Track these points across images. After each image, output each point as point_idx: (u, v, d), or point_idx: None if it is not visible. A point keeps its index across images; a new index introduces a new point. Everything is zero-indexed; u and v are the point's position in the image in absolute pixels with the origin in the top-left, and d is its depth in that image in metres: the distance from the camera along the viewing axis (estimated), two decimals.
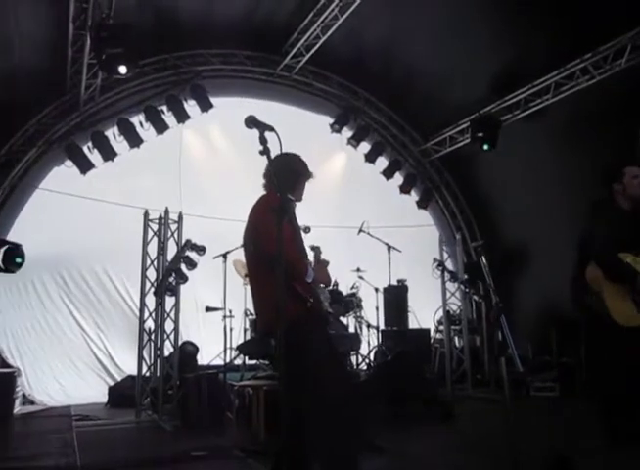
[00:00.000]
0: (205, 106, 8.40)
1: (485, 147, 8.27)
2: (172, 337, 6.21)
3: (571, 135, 7.99)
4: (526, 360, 8.40)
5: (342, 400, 2.74)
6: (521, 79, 8.10)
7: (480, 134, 8.27)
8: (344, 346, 5.51)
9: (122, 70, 6.12)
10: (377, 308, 7.35)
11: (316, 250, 3.29)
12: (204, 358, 7.62)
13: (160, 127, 8.16)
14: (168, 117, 8.27)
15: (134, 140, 8.02)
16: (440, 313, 8.44)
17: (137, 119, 8.10)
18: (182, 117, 8.29)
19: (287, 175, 2.99)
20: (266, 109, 9.25)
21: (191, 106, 8.42)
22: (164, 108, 8.26)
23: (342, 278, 6.93)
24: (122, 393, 6.94)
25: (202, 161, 8.82)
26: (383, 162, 9.88)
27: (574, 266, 3.80)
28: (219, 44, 8.70)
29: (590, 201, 3.96)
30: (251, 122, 2.15)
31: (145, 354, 6.50)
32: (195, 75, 8.53)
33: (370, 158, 9.63)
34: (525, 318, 9.63)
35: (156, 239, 6.29)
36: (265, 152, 2.05)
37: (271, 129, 2.12)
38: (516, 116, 8.33)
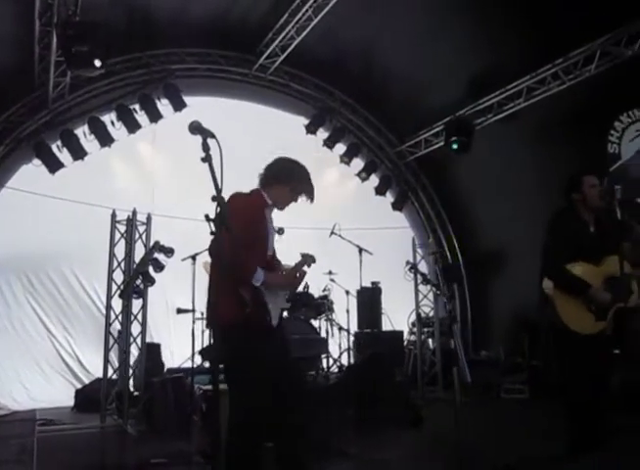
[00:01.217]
0: (179, 105, 8.29)
1: (459, 150, 8.30)
2: (139, 340, 6.12)
3: (544, 139, 8.06)
4: (498, 362, 8.46)
5: (282, 405, 2.75)
6: (494, 83, 8.15)
7: (455, 137, 8.29)
8: (311, 350, 5.48)
9: (90, 68, 6.01)
10: (347, 311, 7.32)
11: (304, 257, 3.30)
12: (175, 361, 7.54)
13: (132, 126, 8.04)
14: (141, 117, 8.17)
15: (105, 139, 7.88)
16: (415, 315, 8.46)
17: (108, 118, 7.98)
18: (155, 116, 8.17)
19: (281, 180, 3.02)
20: (243, 108, 9.28)
21: (164, 105, 8.32)
22: (137, 107, 8.16)
23: (313, 281, 6.89)
24: (89, 396, 6.82)
25: (175, 160, 8.72)
26: (358, 163, 9.89)
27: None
28: (194, 43, 8.61)
29: (551, 211, 3.99)
30: (195, 129, 2.12)
31: (114, 357, 6.41)
32: (168, 74, 8.42)
33: (346, 159, 9.61)
34: (499, 321, 9.72)
35: (123, 241, 6.20)
36: (207, 159, 2.01)
37: (213, 136, 2.08)
38: (489, 119, 8.37)
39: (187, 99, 8.38)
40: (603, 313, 3.53)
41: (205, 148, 2.02)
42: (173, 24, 8.11)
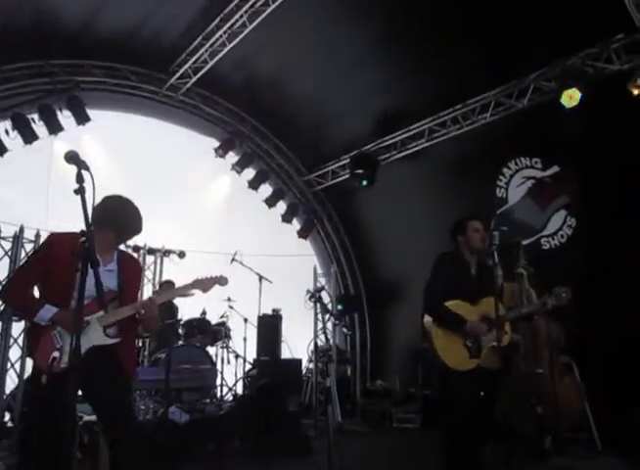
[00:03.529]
0: (82, 119, 7.97)
1: (364, 183, 8.57)
2: (18, 365, 5.72)
3: (443, 177, 8.52)
4: (392, 392, 8.68)
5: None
6: (399, 122, 8.53)
7: (359, 171, 8.56)
8: (200, 380, 5.37)
9: None
10: (245, 339, 7.26)
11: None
12: None
13: (29, 137, 7.62)
14: (39, 127, 7.77)
15: None
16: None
17: (2, 127, 7.53)
18: (54, 128, 7.79)
19: (120, 220, 2.95)
20: (155, 125, 9.10)
21: (66, 117, 7.98)
22: (35, 117, 7.76)
23: (211, 307, 6.80)
24: None
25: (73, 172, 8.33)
26: (267, 189, 9.94)
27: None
28: (102, 57, 8.35)
29: (438, 252, 4.21)
30: (71, 159, 2.06)
31: None
32: (73, 86, 8.10)
33: (253, 185, 9.63)
34: (397, 350, 9.98)
35: (7, 259, 5.82)
36: (80, 191, 1.95)
37: (87, 168, 2.02)
38: (393, 156, 8.72)
39: (92, 113, 8.11)
40: (477, 351, 3.74)
41: (79, 179, 1.96)
42: (82, 35, 7.83)
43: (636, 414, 5.38)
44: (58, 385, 2.54)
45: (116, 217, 2.98)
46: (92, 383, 2.85)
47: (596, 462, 5.01)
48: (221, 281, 3.19)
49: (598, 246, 6.41)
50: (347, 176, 9.12)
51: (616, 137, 6.08)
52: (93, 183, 1.98)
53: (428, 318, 3.84)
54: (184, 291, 3.19)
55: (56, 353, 2.79)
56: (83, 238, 1.93)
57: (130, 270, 3.11)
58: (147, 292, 8.01)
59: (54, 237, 2.97)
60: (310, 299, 7.60)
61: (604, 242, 6.31)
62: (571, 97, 6.01)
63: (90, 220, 2.85)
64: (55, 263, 2.76)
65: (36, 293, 2.95)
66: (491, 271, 3.87)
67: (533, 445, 5.08)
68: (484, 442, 3.95)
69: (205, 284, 3.15)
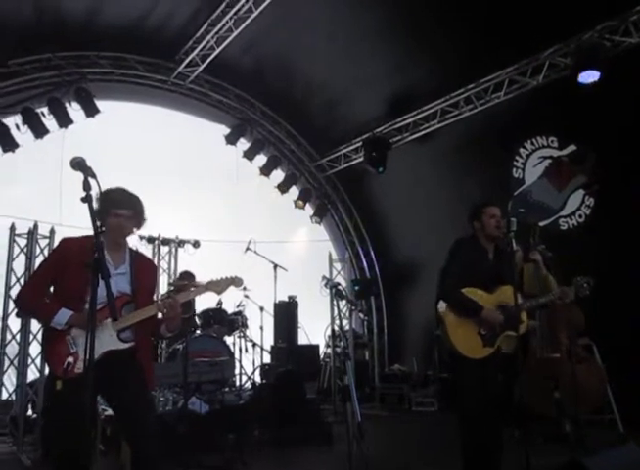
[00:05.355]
0: (91, 111, 7.93)
1: (380, 170, 8.48)
2: (38, 361, 5.78)
3: (456, 159, 8.38)
4: (410, 375, 8.68)
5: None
6: (411, 104, 8.37)
7: (373, 153, 8.45)
8: (217, 373, 5.38)
9: None
10: (261, 328, 7.27)
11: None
12: None
13: (40, 131, 7.60)
14: (49, 121, 7.75)
15: (9, 144, 7.41)
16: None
17: (12, 122, 7.52)
18: (64, 121, 7.77)
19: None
20: (165, 114, 9.05)
21: (75, 110, 7.95)
22: (45, 110, 7.74)
23: (227, 296, 6.78)
24: None
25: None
26: (279, 175, 9.88)
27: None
28: (108, 47, 8.28)
29: (453, 236, 4.14)
30: (77, 165, 2.01)
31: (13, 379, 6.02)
32: (80, 78, 8.06)
33: (265, 171, 9.57)
34: (414, 334, 9.96)
35: (23, 255, 5.84)
36: (87, 199, 1.91)
37: (93, 176, 1.98)
38: (405, 138, 8.59)
39: (100, 104, 8.06)
40: (491, 340, 3.68)
41: (86, 187, 1.92)
42: (87, 27, 7.77)
43: None
44: (74, 390, 2.53)
45: (108, 201, 2.83)
46: (110, 388, 2.85)
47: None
48: (236, 282, 3.15)
49: (617, 225, 6.27)
50: (360, 160, 9.01)
51: (634, 113, 5.90)
52: (100, 190, 1.94)
53: (442, 305, 3.77)
54: (198, 293, 3.16)
55: (70, 359, 2.78)
56: (94, 248, 1.89)
57: (144, 271, 3.06)
58: (162, 283, 8.04)
59: (65, 242, 2.95)
60: (326, 285, 7.60)
61: (623, 221, 6.17)
62: (588, 74, 5.83)
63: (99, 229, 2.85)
64: (67, 268, 2.74)
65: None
66: (510, 258, 3.79)
67: (552, 428, 5.05)
68: (503, 425, 3.90)
69: (219, 285, 3.11)
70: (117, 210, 2.86)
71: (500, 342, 3.73)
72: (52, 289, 2.87)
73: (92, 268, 1.93)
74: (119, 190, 2.93)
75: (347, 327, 8.75)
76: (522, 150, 7.45)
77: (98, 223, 1.93)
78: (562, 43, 6.54)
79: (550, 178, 7.16)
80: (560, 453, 3.68)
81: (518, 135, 7.45)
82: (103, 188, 2.05)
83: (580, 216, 6.93)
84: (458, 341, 3.67)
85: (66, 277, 2.75)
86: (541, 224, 6.03)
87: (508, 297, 3.67)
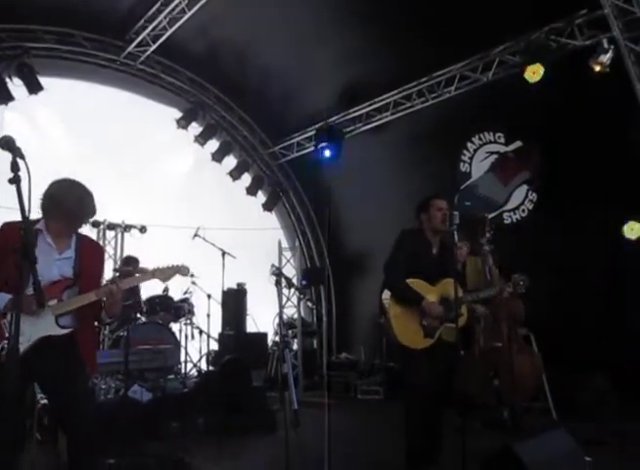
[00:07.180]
0: (34, 88, 7.61)
1: (327, 155, 8.48)
2: None
3: (407, 150, 8.49)
4: (357, 364, 8.80)
5: None
6: (365, 95, 8.41)
7: (324, 143, 8.45)
8: (160, 361, 5.31)
9: None
10: (208, 316, 7.20)
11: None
12: None
13: None
14: None
15: None
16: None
17: None
18: (4, 97, 7.43)
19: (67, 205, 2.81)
20: (113, 94, 8.76)
21: (17, 86, 7.61)
22: None
23: (174, 283, 6.68)
24: None
25: (28, 149, 8.00)
26: (231, 161, 9.76)
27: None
28: (55, 22, 7.93)
29: (402, 227, 4.21)
30: (6, 144, 1.92)
31: None
32: (23, 52, 7.71)
33: (217, 157, 9.43)
34: (362, 323, 10.08)
35: None
36: (15, 180, 1.83)
37: (22, 156, 1.90)
38: (358, 128, 8.63)
39: (45, 81, 7.75)
40: (432, 331, 3.78)
41: (15, 168, 1.84)
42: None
43: (583, 379, 5.61)
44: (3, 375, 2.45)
45: (64, 203, 2.84)
46: (46, 376, 2.77)
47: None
48: (182, 271, 3.13)
49: (558, 221, 6.51)
50: (313, 148, 8.99)
51: (578, 113, 6.12)
52: (28, 172, 1.86)
53: (386, 295, 3.85)
54: (143, 279, 3.12)
55: (5, 343, 2.70)
56: (22, 232, 1.82)
57: (90, 255, 3.00)
58: (108, 268, 7.82)
59: (5, 225, 2.84)
60: (274, 274, 7.59)
61: (564, 217, 6.41)
62: (534, 72, 5.99)
63: (41, 210, 2.75)
64: (7, 252, 2.64)
65: None
66: (452, 252, 3.88)
67: (491, 415, 5.22)
68: (443, 413, 4.01)
69: (165, 273, 3.08)
70: (84, 219, 2.94)
71: (442, 333, 3.82)
72: None
73: (20, 253, 1.86)
74: (89, 198, 2.94)
75: (296, 315, 8.78)
76: (469, 144, 7.62)
77: (26, 207, 1.85)
78: (512, 41, 6.69)
79: (496, 173, 7.37)
80: (496, 439, 3.81)
81: (466, 130, 7.61)
82: (31, 171, 1.96)
83: (523, 211, 7.16)
84: (400, 330, 3.75)
85: (6, 261, 2.65)
86: None
87: (450, 290, 3.75)
